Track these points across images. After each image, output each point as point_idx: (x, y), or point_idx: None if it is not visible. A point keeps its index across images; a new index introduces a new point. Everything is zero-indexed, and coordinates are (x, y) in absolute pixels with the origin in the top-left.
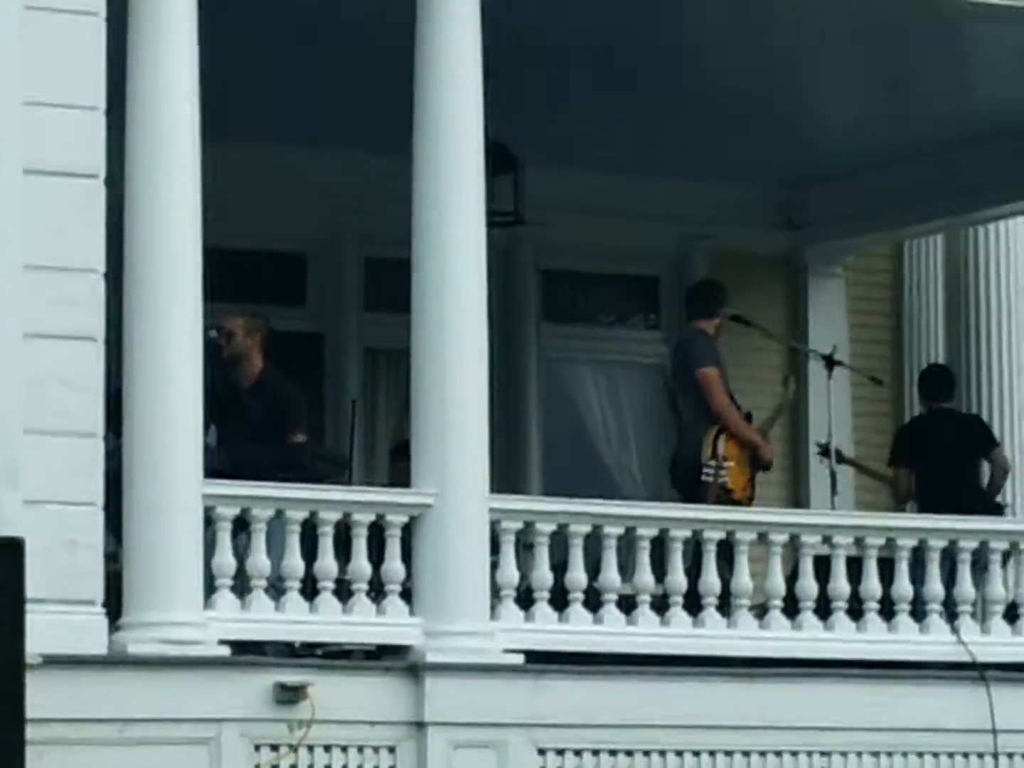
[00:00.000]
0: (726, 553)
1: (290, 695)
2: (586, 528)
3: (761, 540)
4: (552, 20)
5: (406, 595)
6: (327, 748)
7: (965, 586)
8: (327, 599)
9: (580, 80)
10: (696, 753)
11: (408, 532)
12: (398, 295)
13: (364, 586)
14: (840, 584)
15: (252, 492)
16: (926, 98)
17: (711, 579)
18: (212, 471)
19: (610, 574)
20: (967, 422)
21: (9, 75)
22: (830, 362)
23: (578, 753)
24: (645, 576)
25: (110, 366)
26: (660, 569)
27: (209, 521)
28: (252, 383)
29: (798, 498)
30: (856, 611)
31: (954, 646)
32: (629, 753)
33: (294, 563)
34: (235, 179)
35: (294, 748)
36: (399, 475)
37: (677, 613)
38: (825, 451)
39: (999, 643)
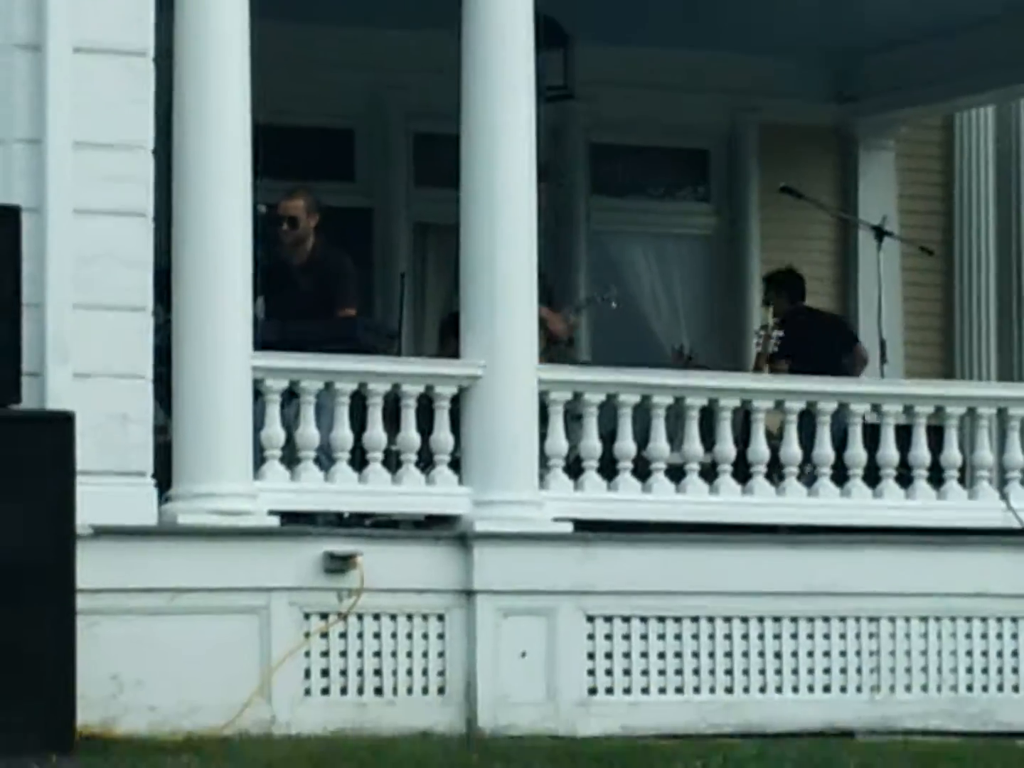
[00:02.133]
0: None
1: (339, 564)
2: (635, 398)
3: (810, 408)
4: None
5: (455, 465)
6: (376, 616)
7: (1014, 453)
8: (376, 469)
9: None
10: (744, 619)
11: (457, 403)
12: (448, 170)
13: (413, 456)
14: (889, 451)
15: (301, 364)
16: None
17: (760, 447)
18: (262, 344)
19: (659, 443)
20: (832, 320)
21: None
22: (880, 233)
23: (626, 620)
24: (694, 445)
25: (159, 242)
26: (709, 438)
27: (258, 393)
28: (306, 258)
29: None
30: (905, 478)
31: (1003, 512)
32: (677, 619)
33: (343, 434)
34: (284, 56)
35: (343, 616)
36: (448, 348)
37: (726, 481)
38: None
39: None
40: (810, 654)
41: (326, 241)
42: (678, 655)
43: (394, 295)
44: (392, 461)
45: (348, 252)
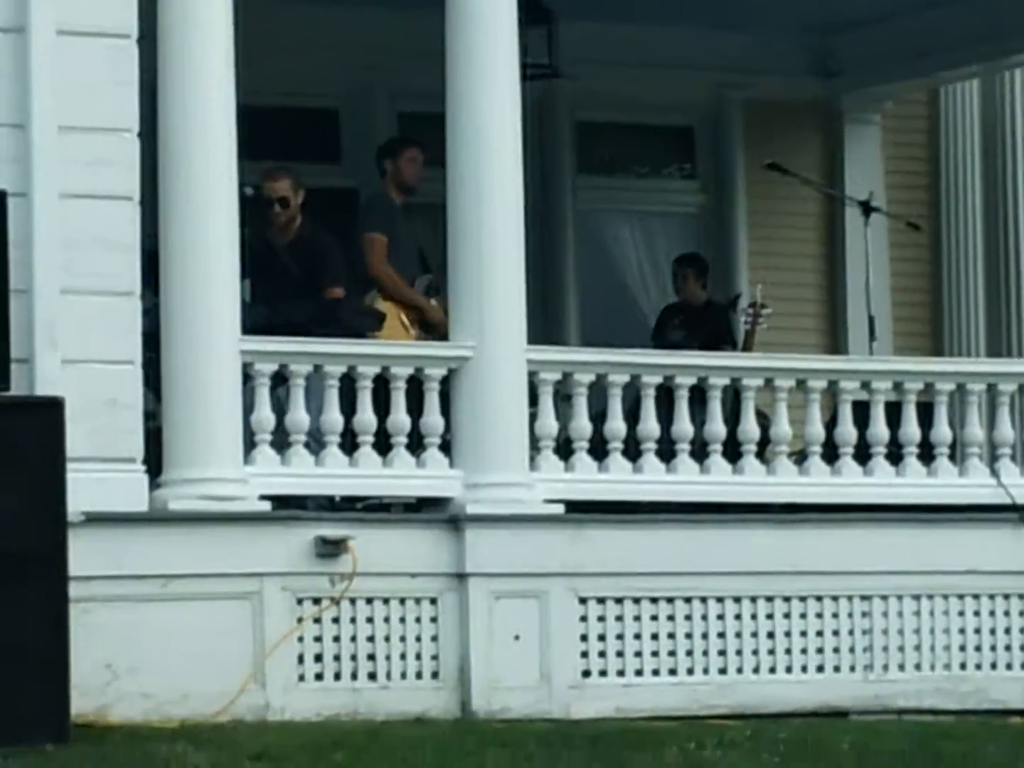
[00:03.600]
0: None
1: (331, 549)
2: (624, 378)
3: (800, 387)
4: None
5: (445, 448)
6: (369, 600)
7: (1004, 429)
8: (367, 453)
9: None
10: (736, 599)
11: (447, 385)
12: (433, 150)
13: (403, 439)
14: (879, 429)
15: (290, 348)
16: None
17: (750, 426)
18: (250, 327)
19: (649, 423)
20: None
21: None
22: (867, 208)
23: (619, 601)
24: (684, 424)
25: (146, 225)
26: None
27: (247, 377)
28: (292, 238)
29: (836, 344)
30: (895, 456)
31: (994, 489)
32: (670, 600)
33: (333, 417)
34: (269, 36)
35: (336, 601)
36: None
37: (716, 461)
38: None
39: None
40: (803, 634)
41: (312, 221)
42: (671, 636)
43: None
44: (383, 444)
45: (335, 233)
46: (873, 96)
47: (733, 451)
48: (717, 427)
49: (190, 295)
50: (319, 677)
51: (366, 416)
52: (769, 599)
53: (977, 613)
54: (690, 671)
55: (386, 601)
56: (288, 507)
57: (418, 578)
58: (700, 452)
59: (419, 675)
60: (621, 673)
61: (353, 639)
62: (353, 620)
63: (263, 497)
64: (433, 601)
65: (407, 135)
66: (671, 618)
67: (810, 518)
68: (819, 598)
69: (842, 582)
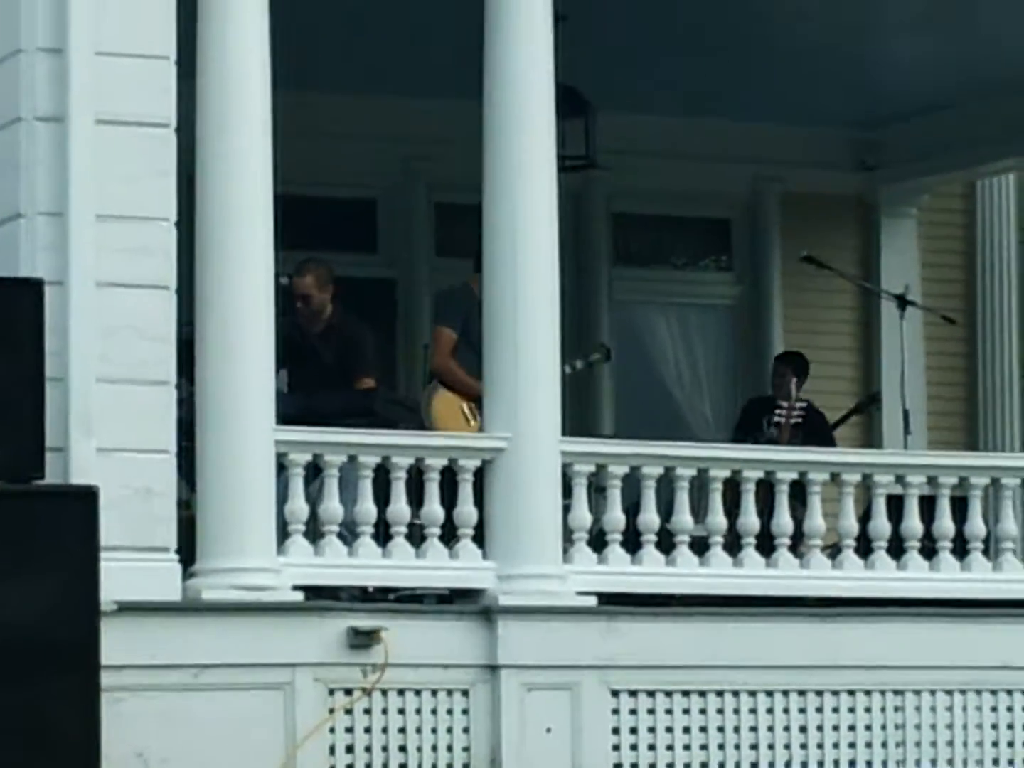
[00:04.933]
0: (798, 494)
1: (364, 639)
2: (658, 470)
3: (834, 480)
4: None
5: (479, 539)
6: (401, 692)
7: None
8: (400, 543)
9: (650, 23)
10: (769, 693)
11: (480, 476)
12: (469, 240)
13: (437, 530)
14: (913, 523)
15: (325, 438)
16: (995, 35)
17: (784, 520)
18: (284, 416)
19: (683, 516)
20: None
21: (80, 26)
22: (903, 302)
23: (651, 694)
24: (718, 517)
25: (182, 314)
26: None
27: (281, 467)
28: (323, 328)
29: (871, 438)
30: (929, 550)
31: None
32: (702, 693)
33: (367, 508)
34: (305, 126)
35: (368, 692)
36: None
37: (750, 554)
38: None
39: None
40: (835, 728)
41: (344, 312)
42: (703, 729)
43: (417, 367)
44: (416, 535)
45: (370, 323)
46: (910, 189)
47: (766, 544)
48: (751, 520)
49: (225, 385)
50: None
51: (400, 507)
52: (801, 693)
53: (1010, 708)
54: (722, 765)
55: (418, 692)
56: (321, 598)
57: (450, 670)
58: (734, 545)
59: (450, 767)
60: (653, 766)
61: (384, 730)
62: (385, 711)
63: (296, 587)
64: (465, 693)
65: None
66: (703, 711)
67: (843, 612)
68: (851, 692)
69: (875, 676)
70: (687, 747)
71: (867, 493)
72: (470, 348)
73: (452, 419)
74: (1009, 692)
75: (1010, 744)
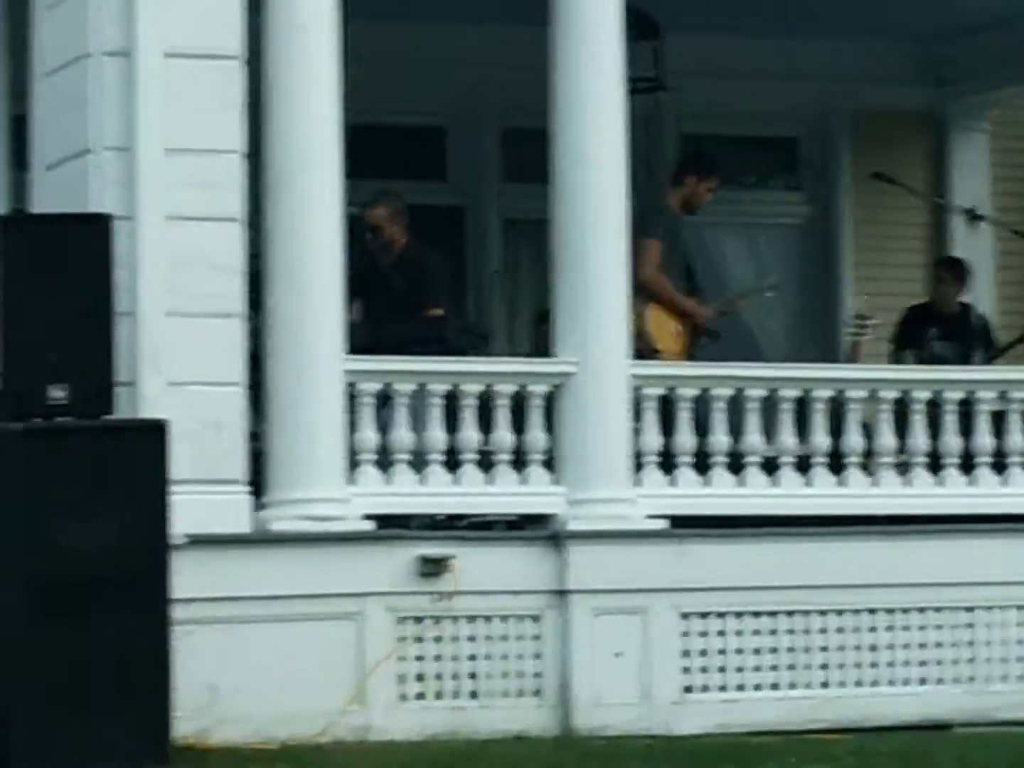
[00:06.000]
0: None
1: (433, 567)
2: (728, 391)
3: (903, 398)
4: None
5: (548, 464)
6: (471, 619)
7: None
8: (469, 471)
9: None
10: (839, 612)
11: (550, 402)
12: (538, 165)
13: (506, 456)
14: (983, 439)
15: (394, 367)
16: None
17: (854, 439)
18: (357, 346)
19: (753, 436)
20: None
21: None
22: (973, 217)
23: (721, 616)
24: (788, 437)
25: (250, 246)
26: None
27: (351, 397)
28: (395, 259)
29: None
30: (1000, 465)
31: None
32: (772, 614)
33: (436, 435)
34: (373, 55)
35: (438, 620)
36: (541, 344)
37: (820, 473)
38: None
39: None
40: (905, 646)
41: (415, 241)
42: (773, 651)
43: (486, 294)
44: (486, 461)
45: (439, 251)
46: (981, 104)
47: (837, 463)
48: (820, 439)
49: (293, 316)
50: (421, 696)
51: (469, 433)
52: (872, 612)
53: None
54: (792, 685)
55: (488, 619)
56: (390, 527)
57: (520, 596)
58: (803, 464)
59: (520, 693)
60: (723, 688)
61: (455, 658)
62: (455, 639)
63: (366, 516)
64: (535, 619)
65: (717, 163)
66: (773, 632)
67: (913, 530)
68: (922, 610)
69: (945, 594)
70: (757, 668)
71: (935, 410)
72: (668, 267)
73: (665, 337)
74: None
75: None
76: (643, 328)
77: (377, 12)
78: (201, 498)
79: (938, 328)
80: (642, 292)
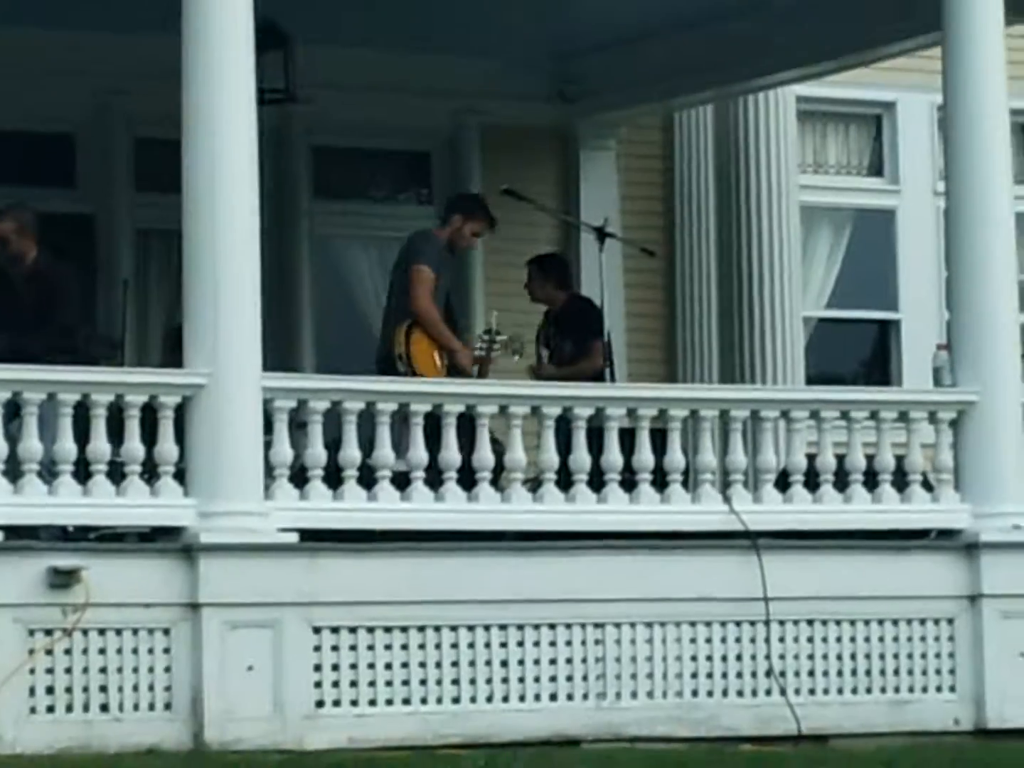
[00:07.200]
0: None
1: (64, 579)
2: (360, 405)
3: (534, 413)
4: None
5: (180, 476)
6: (102, 631)
7: (737, 455)
8: (100, 482)
9: None
10: (470, 628)
11: (181, 413)
12: (169, 175)
13: (137, 468)
14: (614, 456)
15: (23, 375)
16: None
17: (485, 454)
18: None
19: (384, 451)
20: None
21: None
22: (602, 234)
23: (352, 631)
24: (419, 452)
25: None
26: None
27: None
28: (27, 272)
29: None
30: (630, 483)
31: (726, 515)
32: (404, 629)
33: (67, 446)
34: (3, 60)
35: (68, 632)
36: (174, 359)
37: (451, 488)
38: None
39: (770, 511)
40: (536, 662)
41: (47, 253)
42: (405, 665)
43: (116, 303)
44: (116, 473)
45: (70, 261)
46: (608, 121)
47: (469, 479)
48: (452, 455)
49: None
50: (51, 709)
51: (100, 444)
52: (502, 627)
53: (708, 640)
54: (424, 700)
55: (119, 632)
56: (20, 537)
57: (151, 608)
58: (436, 480)
59: (152, 706)
60: (355, 703)
61: (85, 671)
62: (85, 651)
63: None
64: (166, 631)
65: (492, 212)
66: (405, 647)
67: (543, 546)
68: (552, 626)
69: (575, 610)
70: (388, 683)
71: (567, 426)
72: (436, 296)
73: (429, 366)
74: (707, 624)
75: (709, 676)
76: (405, 351)
77: (6, 19)
78: None
79: (553, 327)
80: (413, 319)
